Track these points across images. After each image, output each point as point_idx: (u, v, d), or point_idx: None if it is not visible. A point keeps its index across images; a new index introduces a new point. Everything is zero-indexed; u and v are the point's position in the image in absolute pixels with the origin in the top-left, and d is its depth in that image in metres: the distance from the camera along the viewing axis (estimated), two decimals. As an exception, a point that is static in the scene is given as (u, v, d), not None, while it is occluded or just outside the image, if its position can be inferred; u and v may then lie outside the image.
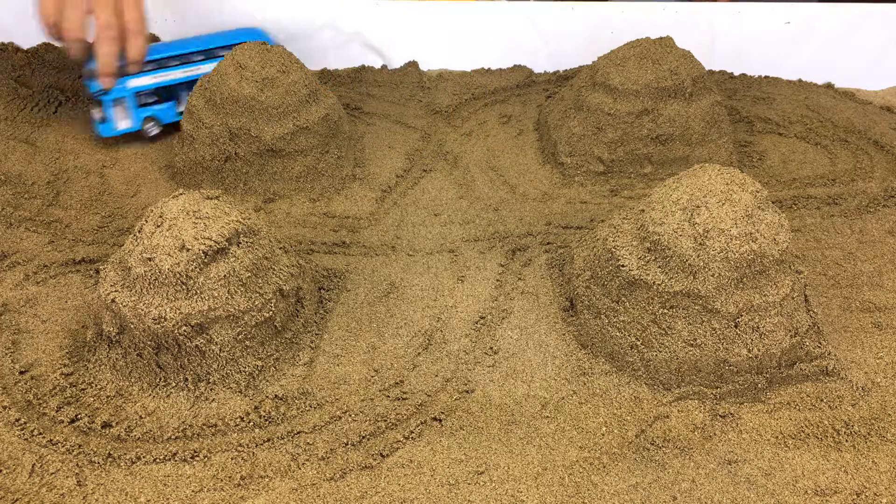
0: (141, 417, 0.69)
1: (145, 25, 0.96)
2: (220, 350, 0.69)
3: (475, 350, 0.75)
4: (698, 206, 0.69)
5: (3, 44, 1.19)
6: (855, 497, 0.63)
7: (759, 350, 0.69)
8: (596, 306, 0.75)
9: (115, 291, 0.69)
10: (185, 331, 0.67)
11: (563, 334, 0.77)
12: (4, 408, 0.69)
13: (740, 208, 0.68)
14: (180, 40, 1.05)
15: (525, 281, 0.83)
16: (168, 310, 0.66)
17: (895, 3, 1.17)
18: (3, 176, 0.95)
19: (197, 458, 0.66)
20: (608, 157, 0.97)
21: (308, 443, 0.67)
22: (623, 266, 0.72)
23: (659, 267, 0.70)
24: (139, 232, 0.69)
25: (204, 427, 0.68)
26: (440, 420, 0.69)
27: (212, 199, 0.71)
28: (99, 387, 0.71)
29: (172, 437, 0.67)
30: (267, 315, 0.71)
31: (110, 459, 0.66)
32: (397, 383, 0.72)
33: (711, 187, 0.70)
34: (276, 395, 0.70)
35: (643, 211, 0.73)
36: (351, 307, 0.80)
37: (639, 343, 0.72)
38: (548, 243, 0.88)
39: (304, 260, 0.80)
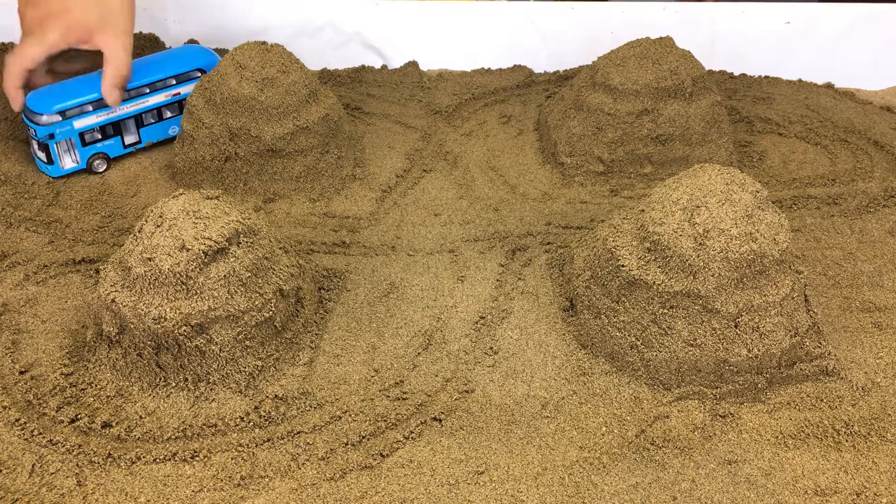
0: (141, 417, 0.69)
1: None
2: (220, 350, 0.69)
3: (475, 350, 0.75)
4: (698, 206, 0.69)
5: (3, 44, 1.19)
6: (855, 497, 0.63)
7: (759, 350, 0.69)
8: (596, 306, 0.75)
9: (115, 291, 0.69)
10: (185, 331, 0.67)
11: (563, 334, 0.77)
12: (4, 408, 0.69)
13: (740, 208, 0.68)
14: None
15: (525, 281, 0.83)
16: (168, 310, 0.66)
17: (895, 3, 1.17)
18: (3, 176, 0.95)
19: (197, 458, 0.66)
20: (608, 157, 0.97)
21: (308, 443, 0.67)
22: (623, 266, 0.72)
23: (659, 267, 0.70)
24: (139, 232, 0.69)
25: (204, 427, 0.68)
26: (440, 420, 0.69)
27: (212, 199, 0.71)
28: (99, 387, 0.71)
29: (172, 437, 0.67)
30: (267, 315, 0.71)
31: (110, 459, 0.66)
32: (397, 383, 0.72)
33: (711, 187, 0.70)
34: (276, 395, 0.70)
35: (643, 211, 0.73)
36: (351, 307, 0.80)
37: (639, 343, 0.72)
38: (548, 243, 0.88)
39: (304, 260, 0.80)
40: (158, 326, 0.67)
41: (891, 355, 0.75)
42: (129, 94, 0.96)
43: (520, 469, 0.65)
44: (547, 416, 0.70)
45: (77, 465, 0.65)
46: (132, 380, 0.71)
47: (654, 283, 0.70)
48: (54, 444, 0.66)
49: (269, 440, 0.67)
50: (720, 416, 0.69)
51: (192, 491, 0.64)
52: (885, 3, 1.17)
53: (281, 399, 0.70)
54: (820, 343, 0.73)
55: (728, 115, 1.01)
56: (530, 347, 0.76)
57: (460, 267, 0.85)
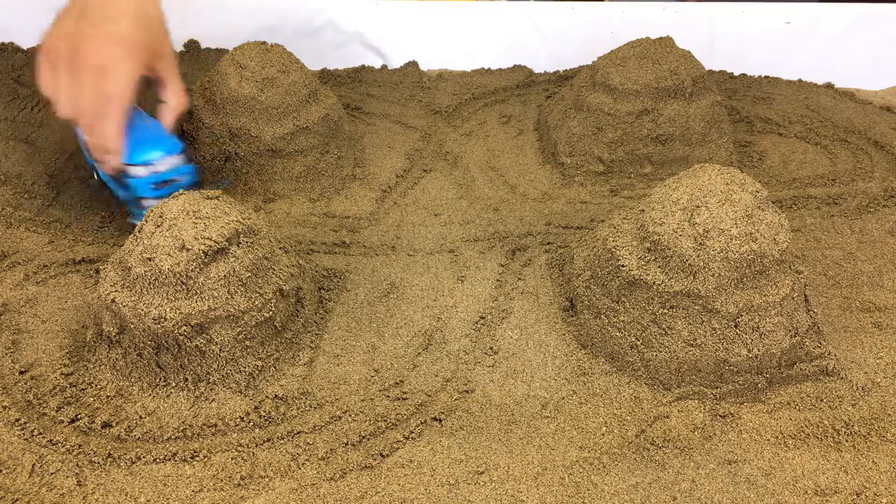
0: (141, 417, 0.69)
1: (116, 107, 0.81)
2: (220, 350, 0.69)
3: (475, 350, 0.75)
4: (698, 206, 0.69)
5: (3, 44, 1.20)
6: (855, 497, 0.63)
7: (759, 350, 0.69)
8: (596, 306, 0.75)
9: (115, 291, 0.69)
10: (185, 331, 0.67)
11: (563, 334, 0.77)
12: (4, 408, 0.69)
13: (740, 208, 0.68)
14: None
15: (525, 281, 0.83)
16: (168, 310, 0.66)
17: (895, 3, 1.17)
18: (3, 176, 0.95)
19: (197, 458, 0.66)
20: (608, 157, 0.97)
21: (308, 443, 0.67)
22: (623, 266, 0.72)
23: (659, 267, 0.70)
24: (139, 232, 0.69)
25: (204, 427, 0.68)
26: (440, 420, 0.69)
27: (212, 199, 0.71)
28: (99, 387, 0.71)
29: (172, 437, 0.67)
30: (267, 315, 0.71)
31: (110, 459, 0.66)
32: (397, 383, 0.72)
33: (711, 187, 0.70)
34: (276, 395, 0.70)
35: (643, 211, 0.73)
36: (351, 307, 0.80)
37: (639, 343, 0.72)
38: (548, 243, 0.88)
39: (304, 260, 0.80)
40: (158, 326, 0.67)
41: (891, 355, 0.75)
42: None
43: (520, 469, 0.65)
44: (547, 416, 0.70)
45: (77, 465, 0.65)
46: (132, 380, 0.71)
47: (654, 283, 0.70)
48: (54, 444, 0.66)
49: (269, 440, 0.67)
50: (720, 416, 0.69)
51: (192, 491, 0.64)
52: (885, 3, 1.17)
53: (281, 399, 0.70)
54: (820, 343, 0.73)
55: (728, 115, 1.01)
56: (530, 347, 0.76)
57: (460, 267, 0.85)
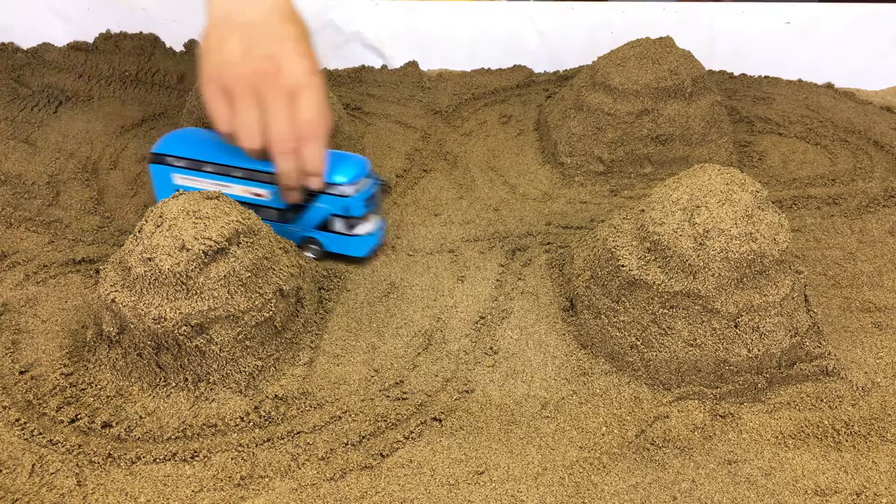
0: (141, 417, 0.69)
1: (322, 128, 0.75)
2: (220, 350, 0.69)
3: (475, 350, 0.75)
4: (698, 206, 0.69)
5: (3, 44, 1.20)
6: (855, 497, 0.63)
7: (759, 350, 0.69)
8: (596, 306, 0.75)
9: (115, 291, 0.69)
10: (185, 331, 0.67)
11: (563, 334, 0.77)
12: (4, 408, 0.69)
13: (740, 208, 0.68)
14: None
15: (525, 281, 0.83)
16: (168, 310, 0.66)
17: (895, 3, 1.17)
18: (3, 176, 0.96)
19: (197, 458, 0.66)
20: (608, 157, 0.97)
21: (308, 443, 0.67)
22: (623, 266, 0.72)
23: (659, 267, 0.70)
24: (139, 232, 0.69)
25: (204, 427, 0.68)
26: (440, 420, 0.69)
27: (212, 199, 0.71)
28: (99, 387, 0.71)
29: (172, 437, 0.67)
30: (267, 315, 0.71)
31: (110, 459, 0.66)
32: (397, 383, 0.72)
33: (711, 187, 0.70)
34: (276, 395, 0.70)
35: (643, 211, 0.73)
36: (351, 307, 0.80)
37: (639, 343, 0.72)
38: (548, 243, 0.88)
39: (304, 260, 0.80)
40: (158, 326, 0.67)
41: (891, 355, 0.75)
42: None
43: (520, 469, 0.65)
44: (547, 416, 0.70)
45: (77, 465, 0.65)
46: (132, 380, 0.71)
47: (654, 283, 0.70)
48: (54, 444, 0.66)
49: (269, 440, 0.67)
50: (720, 416, 0.69)
51: (192, 491, 0.64)
52: (885, 3, 1.17)
53: (281, 399, 0.70)
54: (820, 343, 0.73)
55: (728, 115, 1.01)
56: (530, 347, 0.76)
57: (460, 267, 0.85)
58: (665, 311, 0.70)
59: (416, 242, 0.89)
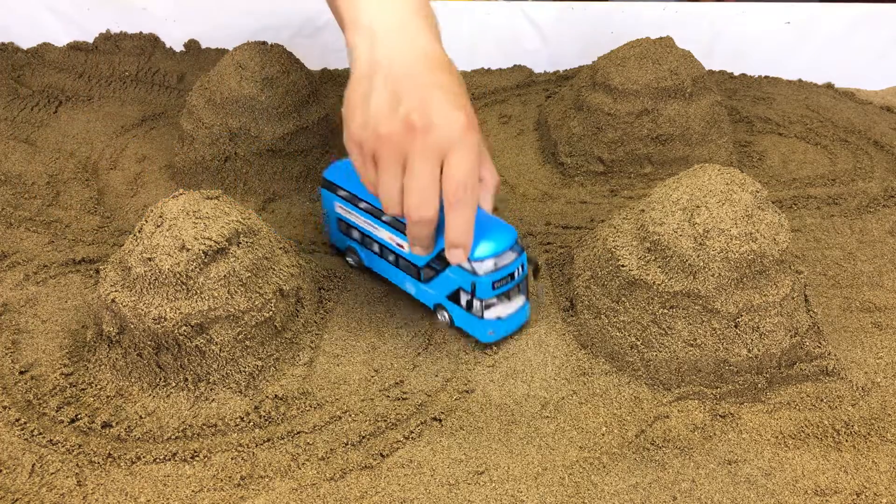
0: (141, 417, 0.69)
1: (473, 193, 0.64)
2: (220, 350, 0.69)
3: (475, 350, 0.75)
4: (698, 206, 0.69)
5: (3, 44, 1.20)
6: (855, 497, 0.63)
7: (759, 350, 0.69)
8: (596, 306, 0.75)
9: (115, 291, 0.69)
10: (185, 331, 0.67)
11: (563, 334, 0.77)
12: (4, 408, 0.69)
13: (740, 208, 0.68)
14: None
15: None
16: (168, 310, 0.66)
17: (895, 2, 1.17)
18: (3, 176, 0.96)
19: (197, 458, 0.66)
20: (608, 157, 0.97)
21: (308, 443, 0.67)
22: (623, 266, 0.72)
23: (659, 267, 0.70)
24: (139, 232, 0.69)
25: (204, 427, 0.68)
26: (440, 420, 0.69)
27: (212, 199, 0.71)
28: (99, 387, 0.71)
29: (172, 437, 0.67)
30: (267, 315, 0.71)
31: (110, 459, 0.66)
32: (397, 383, 0.72)
33: (711, 187, 0.70)
34: (276, 395, 0.70)
35: (643, 211, 0.73)
36: (351, 307, 0.80)
37: (639, 343, 0.72)
38: (548, 243, 0.88)
39: (304, 260, 0.80)
40: (158, 326, 0.67)
41: (891, 355, 0.75)
42: None
43: (520, 469, 0.65)
44: (547, 416, 0.70)
45: (77, 465, 0.65)
46: (132, 380, 0.71)
47: (654, 283, 0.70)
48: (54, 444, 0.66)
49: (269, 440, 0.67)
50: (720, 416, 0.69)
51: (192, 491, 0.64)
52: (885, 3, 1.17)
53: (281, 399, 0.70)
54: (820, 343, 0.73)
55: (728, 115, 1.01)
56: (530, 347, 0.76)
57: (460, 267, 0.85)
58: (665, 311, 0.70)
59: (416, 242, 0.88)
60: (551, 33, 1.20)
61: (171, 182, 0.97)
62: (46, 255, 0.86)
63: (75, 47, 1.20)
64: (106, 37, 1.21)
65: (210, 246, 0.67)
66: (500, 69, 1.20)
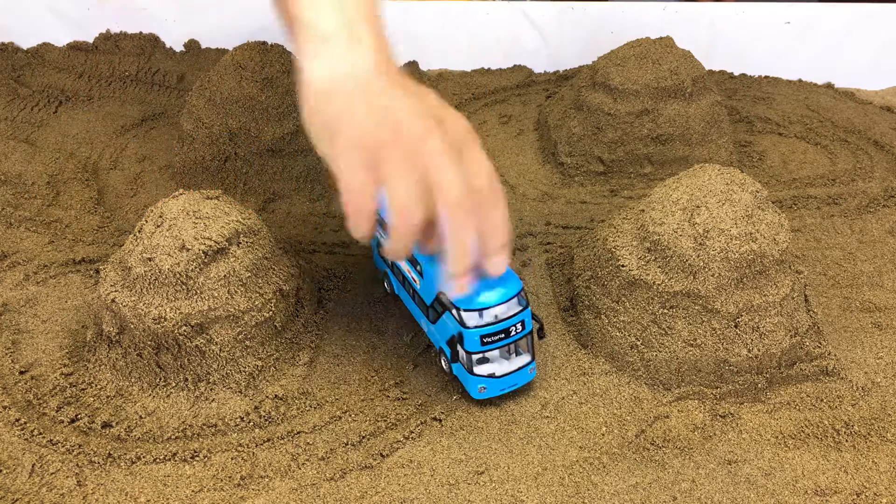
0: (141, 417, 0.69)
1: (501, 191, 0.61)
2: (220, 350, 0.69)
3: (475, 350, 0.75)
4: (698, 206, 0.69)
5: (3, 44, 1.20)
6: (855, 497, 0.63)
7: (759, 350, 0.69)
8: (596, 306, 0.75)
9: (115, 291, 0.69)
10: (185, 331, 0.67)
11: (563, 334, 0.77)
12: (4, 408, 0.69)
13: (740, 208, 0.68)
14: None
15: (525, 281, 0.83)
16: (168, 310, 0.66)
17: (895, 2, 1.17)
18: (3, 176, 0.96)
19: (197, 458, 0.66)
20: (608, 157, 0.97)
21: (308, 443, 0.67)
22: (623, 266, 0.72)
23: (659, 267, 0.70)
24: (139, 232, 0.69)
25: (204, 427, 0.68)
26: (440, 420, 0.69)
27: (212, 199, 0.71)
28: (99, 387, 0.71)
29: (172, 437, 0.67)
30: (267, 315, 0.71)
31: (110, 459, 0.66)
32: (397, 383, 0.72)
33: (711, 187, 0.70)
34: (276, 395, 0.70)
35: (643, 211, 0.73)
36: (351, 307, 0.80)
37: (639, 343, 0.72)
38: (548, 243, 0.88)
39: (304, 260, 0.80)
40: (158, 326, 0.67)
41: (891, 355, 0.75)
42: None
43: (520, 469, 0.65)
44: (547, 416, 0.70)
45: (77, 465, 0.65)
46: (132, 380, 0.71)
47: (654, 283, 0.70)
48: (54, 444, 0.66)
49: (269, 440, 0.67)
50: (720, 416, 0.69)
51: (192, 491, 0.64)
52: (885, 3, 1.17)
53: (281, 399, 0.70)
54: (820, 343, 0.73)
55: (728, 115, 1.01)
56: (530, 347, 0.76)
57: (460, 267, 0.85)
58: (665, 311, 0.70)
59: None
60: (551, 33, 1.20)
61: (171, 182, 0.97)
62: (46, 255, 0.86)
63: (75, 47, 1.20)
64: (106, 37, 1.21)
65: (210, 246, 0.67)
66: (500, 69, 1.20)
